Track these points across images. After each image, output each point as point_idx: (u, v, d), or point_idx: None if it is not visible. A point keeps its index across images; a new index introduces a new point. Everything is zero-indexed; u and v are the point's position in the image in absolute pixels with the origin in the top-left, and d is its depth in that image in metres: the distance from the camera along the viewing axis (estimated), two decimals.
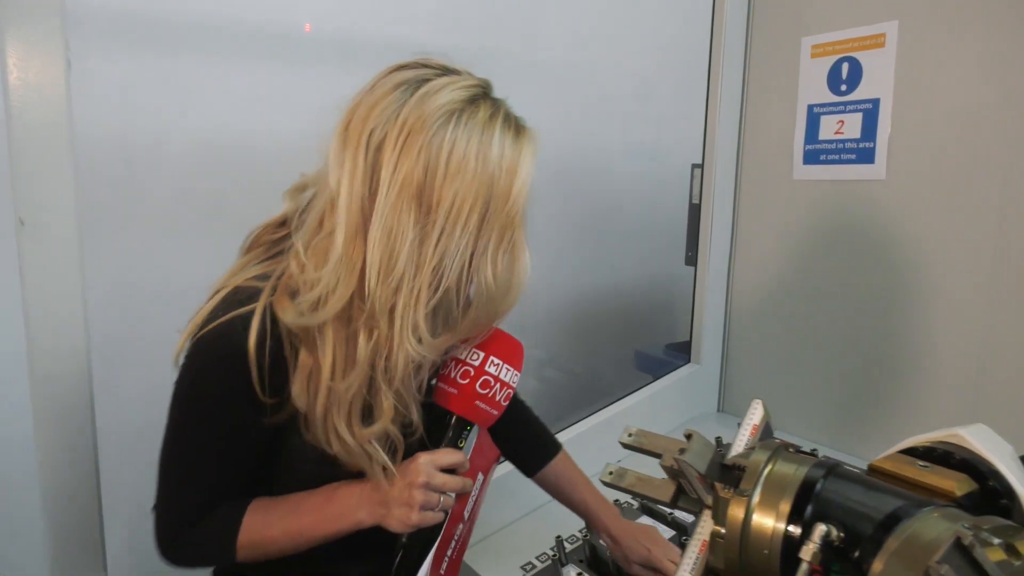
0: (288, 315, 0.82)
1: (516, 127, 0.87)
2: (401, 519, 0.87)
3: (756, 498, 0.60)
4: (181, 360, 0.86)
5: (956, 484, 0.58)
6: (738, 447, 0.70)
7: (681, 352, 2.29)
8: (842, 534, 0.55)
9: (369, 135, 0.82)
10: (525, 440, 1.29)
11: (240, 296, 0.86)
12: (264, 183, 1.69)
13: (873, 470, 0.65)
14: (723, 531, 0.61)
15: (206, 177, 1.58)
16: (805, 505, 0.58)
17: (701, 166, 2.14)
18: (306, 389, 0.85)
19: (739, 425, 0.70)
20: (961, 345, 1.63)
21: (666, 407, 2.01)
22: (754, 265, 2.06)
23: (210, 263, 1.57)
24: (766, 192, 2.01)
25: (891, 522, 0.54)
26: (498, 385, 0.96)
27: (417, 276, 0.81)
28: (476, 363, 0.95)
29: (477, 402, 0.95)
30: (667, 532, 1.36)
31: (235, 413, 0.86)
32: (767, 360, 2.05)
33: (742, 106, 2.04)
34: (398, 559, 0.92)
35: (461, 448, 0.95)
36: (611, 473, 0.70)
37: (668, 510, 1.43)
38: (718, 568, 0.62)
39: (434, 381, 0.98)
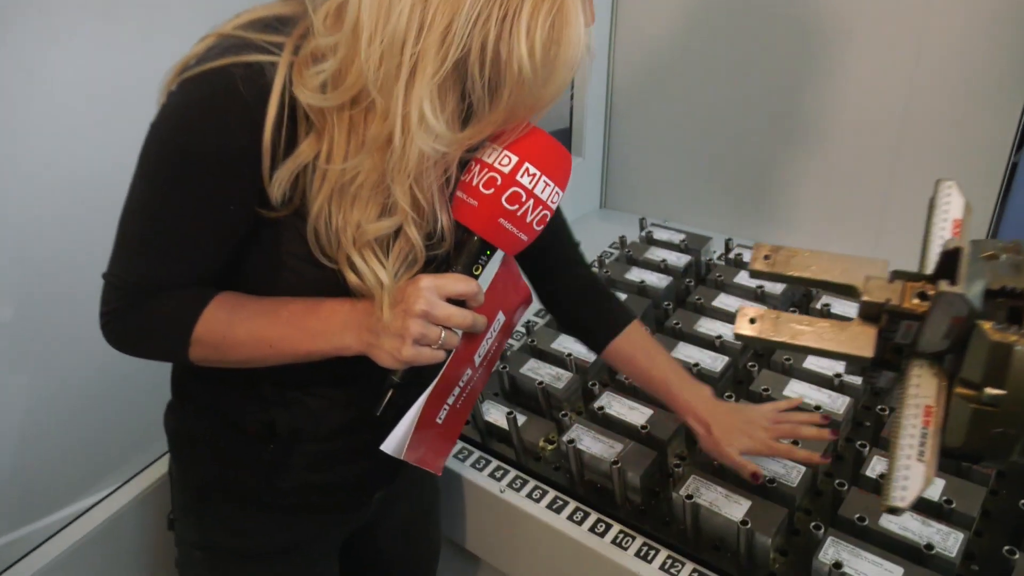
0: (306, 91, 0.68)
1: None
2: (391, 352, 0.72)
3: None
4: (164, 101, 0.71)
5: None
6: (933, 253, 0.45)
7: None
8: None
9: None
10: (590, 305, 1.08)
11: (232, 43, 0.69)
12: None
13: None
14: (998, 394, 0.38)
15: None
16: None
17: None
18: (307, 180, 0.72)
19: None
20: (875, 124, 1.51)
21: None
22: (639, 43, 1.78)
23: None
24: None
25: None
26: (531, 202, 0.75)
27: (419, 41, 0.64)
28: (506, 169, 0.74)
29: (501, 220, 0.75)
30: None
31: (227, 176, 0.70)
32: (653, 148, 1.85)
33: None
34: (385, 400, 0.76)
35: (476, 276, 0.77)
36: (751, 321, 0.43)
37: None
38: (967, 450, 0.40)
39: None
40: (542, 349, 1.34)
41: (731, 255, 1.55)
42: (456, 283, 0.73)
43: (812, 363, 1.23)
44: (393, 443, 0.76)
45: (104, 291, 0.77)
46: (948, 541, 0.93)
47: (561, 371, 1.27)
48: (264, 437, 0.85)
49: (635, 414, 1.17)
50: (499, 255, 0.80)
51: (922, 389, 0.42)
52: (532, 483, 1.15)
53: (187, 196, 0.71)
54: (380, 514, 1.04)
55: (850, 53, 1.50)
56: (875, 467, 1.04)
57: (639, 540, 1.04)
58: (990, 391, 0.38)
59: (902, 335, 0.42)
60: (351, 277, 0.73)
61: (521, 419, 1.19)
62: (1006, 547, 0.90)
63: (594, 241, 1.65)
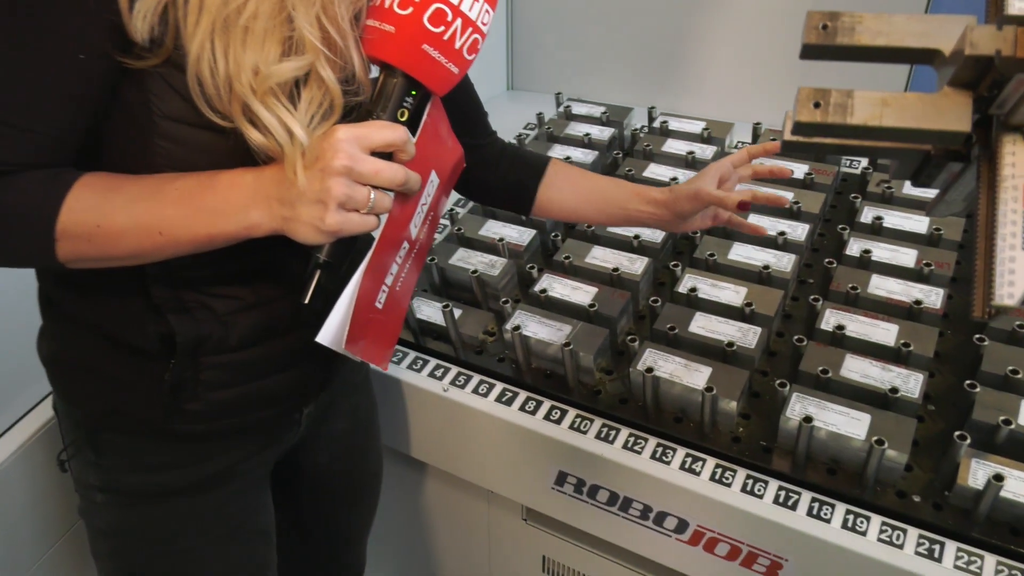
0: None
1: None
2: (312, 222, 0.59)
3: None
4: None
5: None
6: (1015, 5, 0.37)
7: None
8: None
9: None
10: (510, 163, 0.98)
11: None
12: None
13: None
14: None
15: None
16: None
17: None
18: (179, 12, 0.57)
19: None
20: None
21: None
22: None
23: None
24: None
25: None
26: (459, 22, 0.62)
27: None
28: None
29: (425, 46, 0.62)
30: None
31: (69, 8, 0.56)
32: (560, 23, 1.72)
33: None
34: (312, 285, 0.63)
35: (402, 122, 0.64)
36: (816, 105, 0.34)
37: None
38: None
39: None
40: (470, 237, 1.23)
41: (655, 124, 1.47)
42: (380, 131, 0.60)
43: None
44: (329, 333, 0.64)
45: None
46: (909, 383, 0.92)
47: (494, 258, 1.18)
48: (161, 352, 0.71)
49: (580, 294, 1.09)
50: (429, 96, 0.67)
51: (1019, 168, 0.34)
52: (476, 378, 1.07)
53: (17, 42, 0.55)
54: (312, 433, 0.93)
55: None
56: (829, 320, 1.01)
57: (598, 422, 0.99)
58: None
59: (999, 102, 0.34)
60: (252, 134, 0.59)
61: (457, 312, 1.10)
62: (968, 381, 0.90)
63: (507, 124, 1.53)
